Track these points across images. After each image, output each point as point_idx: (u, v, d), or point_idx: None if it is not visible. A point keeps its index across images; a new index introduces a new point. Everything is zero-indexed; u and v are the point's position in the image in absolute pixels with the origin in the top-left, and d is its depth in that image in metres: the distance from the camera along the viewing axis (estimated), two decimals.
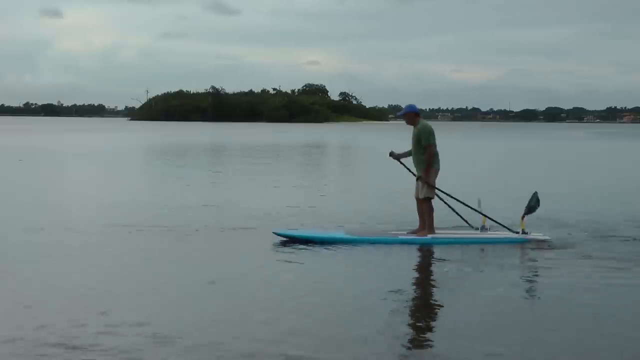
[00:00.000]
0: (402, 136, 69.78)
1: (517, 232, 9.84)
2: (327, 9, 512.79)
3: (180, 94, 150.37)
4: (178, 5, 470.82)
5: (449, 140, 38.38)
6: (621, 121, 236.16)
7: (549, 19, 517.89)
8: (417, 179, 9.92)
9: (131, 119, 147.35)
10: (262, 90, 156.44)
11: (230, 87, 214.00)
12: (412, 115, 9.92)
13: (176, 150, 34.53)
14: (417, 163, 9.96)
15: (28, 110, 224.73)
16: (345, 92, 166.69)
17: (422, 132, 9.78)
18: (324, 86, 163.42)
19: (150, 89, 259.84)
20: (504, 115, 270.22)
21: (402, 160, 10.27)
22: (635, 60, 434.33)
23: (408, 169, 10.29)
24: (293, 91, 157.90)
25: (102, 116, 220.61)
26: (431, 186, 9.78)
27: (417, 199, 9.97)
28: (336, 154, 36.53)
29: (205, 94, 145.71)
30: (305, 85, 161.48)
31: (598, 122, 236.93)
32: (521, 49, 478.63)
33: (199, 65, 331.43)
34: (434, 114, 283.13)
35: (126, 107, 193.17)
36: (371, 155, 33.70)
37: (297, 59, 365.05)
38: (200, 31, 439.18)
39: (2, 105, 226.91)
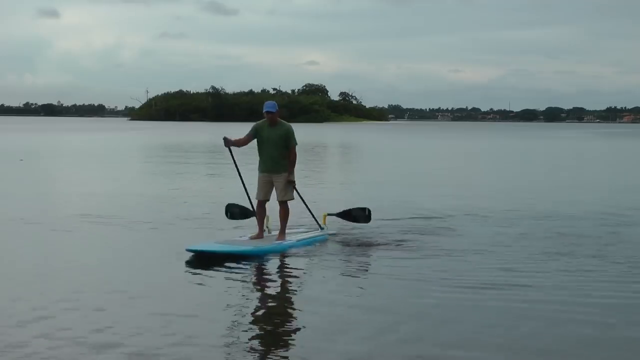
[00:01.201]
0: (401, 135, 69.95)
1: (323, 228, 10.00)
2: (325, 9, 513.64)
3: (180, 94, 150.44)
4: (174, 5, 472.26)
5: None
6: (621, 121, 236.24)
7: (549, 19, 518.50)
8: (264, 179, 9.34)
9: (131, 119, 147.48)
10: (262, 90, 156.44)
11: (230, 87, 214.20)
12: (278, 113, 9.39)
13: (175, 150, 34.56)
14: (275, 162, 9.30)
15: (28, 110, 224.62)
16: (345, 92, 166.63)
17: (291, 132, 9.32)
18: (324, 86, 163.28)
19: (150, 89, 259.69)
20: (504, 115, 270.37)
21: (233, 149, 9.55)
22: (635, 60, 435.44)
23: (235, 163, 9.60)
24: (293, 91, 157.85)
25: (102, 116, 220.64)
26: (293, 188, 9.44)
27: (261, 201, 9.40)
28: (329, 154, 36.59)
29: (205, 94, 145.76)
30: (305, 85, 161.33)
31: (598, 122, 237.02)
32: (521, 49, 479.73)
33: (199, 65, 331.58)
34: (434, 114, 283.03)
35: (126, 107, 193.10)
36: (356, 155, 33.66)
37: (296, 59, 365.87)
38: (198, 31, 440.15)
39: (2, 105, 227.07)
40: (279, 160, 9.30)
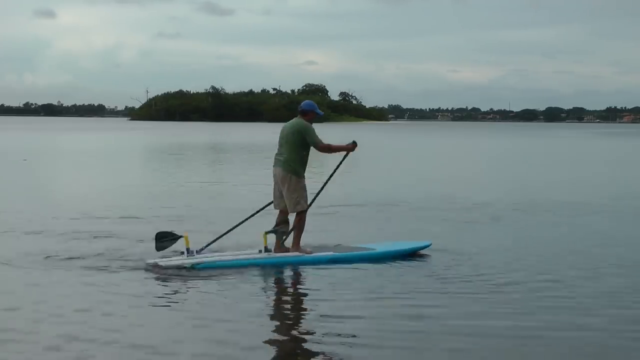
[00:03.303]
0: (406, 135, 69.67)
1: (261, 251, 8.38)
2: (320, 10, 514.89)
3: (180, 94, 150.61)
4: (168, 5, 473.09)
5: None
6: (621, 121, 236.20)
7: (548, 19, 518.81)
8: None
9: (131, 119, 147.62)
10: (262, 90, 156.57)
11: (230, 87, 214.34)
12: None
13: (175, 150, 34.69)
14: None
15: (28, 110, 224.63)
16: (345, 92, 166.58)
17: None
18: (324, 86, 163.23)
19: (150, 89, 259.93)
20: (504, 115, 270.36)
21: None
22: (635, 60, 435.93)
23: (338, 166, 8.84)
24: (293, 91, 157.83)
25: (102, 116, 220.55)
26: None
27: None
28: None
29: (205, 94, 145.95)
30: (305, 85, 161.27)
31: (598, 122, 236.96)
32: (520, 49, 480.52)
33: (198, 66, 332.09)
34: (433, 114, 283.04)
35: (126, 107, 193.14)
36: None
37: (295, 59, 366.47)
38: (194, 31, 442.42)
39: (2, 105, 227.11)
40: None
